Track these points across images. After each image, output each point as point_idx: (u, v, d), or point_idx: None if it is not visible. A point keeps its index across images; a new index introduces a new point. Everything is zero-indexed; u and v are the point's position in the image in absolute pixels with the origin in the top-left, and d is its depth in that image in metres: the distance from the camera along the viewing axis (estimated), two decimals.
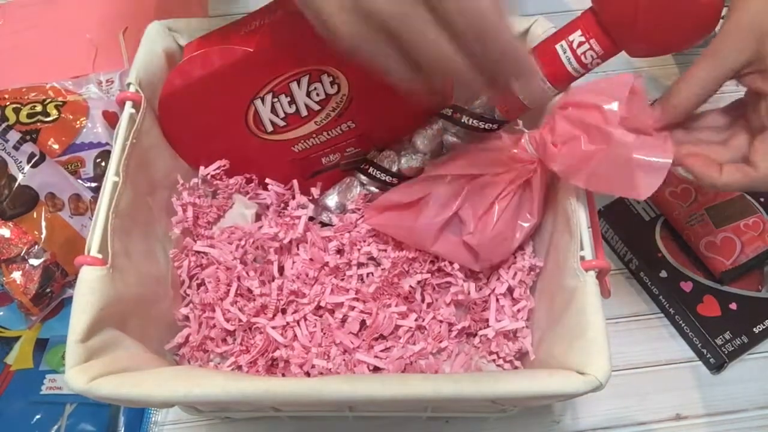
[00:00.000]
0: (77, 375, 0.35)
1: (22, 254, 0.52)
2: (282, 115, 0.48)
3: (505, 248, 0.46)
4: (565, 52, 0.43)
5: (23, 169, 0.55)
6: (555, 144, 0.40)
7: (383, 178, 0.50)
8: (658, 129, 0.40)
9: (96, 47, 0.71)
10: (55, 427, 0.49)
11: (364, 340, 0.46)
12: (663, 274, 0.56)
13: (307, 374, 0.45)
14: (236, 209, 0.52)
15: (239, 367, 0.46)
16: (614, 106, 0.38)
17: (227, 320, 0.46)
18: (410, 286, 0.47)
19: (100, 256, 0.38)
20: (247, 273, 0.47)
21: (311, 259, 0.49)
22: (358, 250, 0.48)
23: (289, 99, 0.47)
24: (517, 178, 0.43)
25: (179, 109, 0.47)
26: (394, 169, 0.50)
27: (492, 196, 0.44)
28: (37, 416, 0.49)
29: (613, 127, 0.38)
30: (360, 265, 0.48)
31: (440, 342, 0.46)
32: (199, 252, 0.49)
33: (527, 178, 0.43)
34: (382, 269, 0.47)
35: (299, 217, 0.49)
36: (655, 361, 0.55)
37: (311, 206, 0.51)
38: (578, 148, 0.39)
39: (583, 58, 0.43)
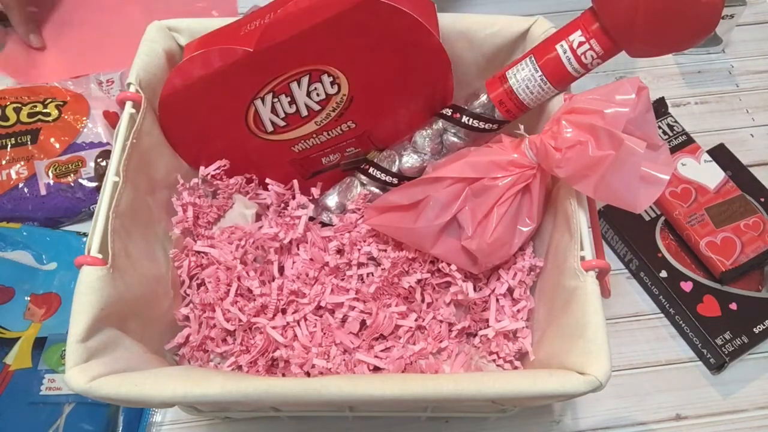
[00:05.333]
0: (77, 375, 0.35)
1: None
2: (282, 115, 0.48)
3: (504, 253, 0.46)
4: (565, 52, 0.43)
5: None
6: (559, 149, 0.40)
7: (383, 178, 0.50)
8: None
9: None
10: (54, 426, 0.49)
11: (364, 340, 0.46)
12: (663, 274, 0.56)
13: (307, 374, 0.45)
14: (236, 209, 0.52)
15: (239, 367, 0.45)
16: (621, 111, 0.38)
17: (227, 320, 0.46)
18: (410, 285, 0.47)
19: (100, 256, 0.38)
20: (247, 273, 0.47)
21: (311, 259, 0.49)
22: (358, 250, 0.48)
23: (289, 99, 0.47)
24: (516, 183, 0.43)
25: (179, 109, 0.47)
26: (394, 169, 0.50)
27: (491, 201, 0.43)
28: (36, 416, 0.49)
29: (623, 133, 0.37)
30: (360, 265, 0.48)
31: (440, 342, 0.46)
32: (199, 252, 0.49)
33: (527, 184, 0.43)
34: (382, 269, 0.47)
35: (299, 217, 0.49)
36: (655, 361, 0.55)
37: (311, 206, 0.51)
38: (585, 153, 0.38)
39: (583, 58, 0.43)
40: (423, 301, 0.48)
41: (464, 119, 0.47)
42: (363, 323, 0.46)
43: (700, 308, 0.54)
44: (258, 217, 0.52)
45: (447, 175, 0.44)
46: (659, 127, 0.62)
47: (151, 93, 0.46)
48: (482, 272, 0.48)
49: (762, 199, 0.59)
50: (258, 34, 0.44)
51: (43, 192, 0.60)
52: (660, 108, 0.63)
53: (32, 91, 0.65)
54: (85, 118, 0.63)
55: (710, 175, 0.59)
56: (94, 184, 0.61)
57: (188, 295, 0.49)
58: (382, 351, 0.46)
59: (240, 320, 0.46)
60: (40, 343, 0.53)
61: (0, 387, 0.51)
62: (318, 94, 0.47)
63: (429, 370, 0.45)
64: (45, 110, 0.63)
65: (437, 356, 0.46)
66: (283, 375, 0.46)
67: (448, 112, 0.48)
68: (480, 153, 0.44)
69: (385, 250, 0.48)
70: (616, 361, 0.54)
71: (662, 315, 0.57)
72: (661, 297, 0.56)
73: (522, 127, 0.45)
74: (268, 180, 0.53)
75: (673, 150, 0.60)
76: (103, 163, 0.61)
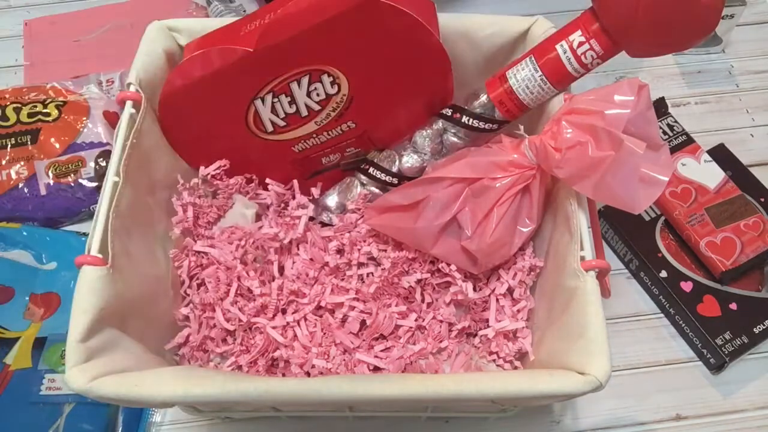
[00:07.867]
0: (77, 375, 0.35)
1: None
2: (282, 115, 0.48)
3: (503, 253, 0.46)
4: (565, 52, 0.43)
5: None
6: (559, 149, 0.40)
7: (383, 178, 0.50)
8: None
9: None
10: (54, 426, 0.49)
11: (364, 340, 0.46)
12: (663, 274, 0.56)
13: (307, 374, 0.45)
14: (236, 209, 0.52)
15: (239, 367, 0.45)
16: (621, 111, 0.38)
17: (227, 320, 0.46)
18: (410, 285, 0.47)
19: (100, 256, 0.38)
20: (247, 273, 0.47)
21: (311, 259, 0.49)
22: (359, 250, 0.48)
23: (289, 99, 0.47)
24: (516, 184, 0.43)
25: (179, 109, 0.47)
26: (395, 169, 0.50)
27: (491, 202, 0.43)
28: (36, 416, 0.49)
29: (623, 133, 0.37)
30: (360, 265, 0.48)
31: (440, 342, 0.46)
32: (199, 252, 0.49)
33: (526, 184, 0.43)
34: (382, 269, 0.47)
35: (299, 217, 0.49)
36: (655, 361, 0.55)
37: (311, 206, 0.51)
38: (585, 154, 0.38)
39: (583, 58, 0.43)
40: (423, 301, 0.48)
41: (464, 119, 0.47)
42: (363, 323, 0.46)
43: (700, 308, 0.54)
44: (258, 217, 0.52)
45: (447, 175, 0.44)
46: (659, 127, 0.62)
47: (151, 93, 0.46)
48: (482, 272, 0.48)
49: (762, 199, 0.59)
50: (258, 34, 0.44)
51: (43, 192, 0.60)
52: (660, 108, 0.63)
53: (32, 91, 0.65)
54: (85, 118, 0.63)
55: (710, 175, 0.59)
56: (94, 184, 0.61)
57: (188, 295, 0.49)
58: (382, 351, 0.46)
59: (240, 320, 0.46)
60: (40, 343, 0.53)
61: (0, 387, 0.51)
62: (318, 94, 0.47)
63: (429, 370, 0.45)
64: (45, 110, 0.63)
65: (437, 356, 0.46)
66: (283, 375, 0.46)
67: (448, 112, 0.48)
68: (480, 153, 0.44)
69: (385, 250, 0.48)
70: (616, 361, 0.54)
71: (662, 315, 0.57)
72: (661, 297, 0.56)
73: (522, 127, 0.45)
74: (268, 180, 0.53)
75: (673, 150, 0.60)
76: (103, 163, 0.61)
